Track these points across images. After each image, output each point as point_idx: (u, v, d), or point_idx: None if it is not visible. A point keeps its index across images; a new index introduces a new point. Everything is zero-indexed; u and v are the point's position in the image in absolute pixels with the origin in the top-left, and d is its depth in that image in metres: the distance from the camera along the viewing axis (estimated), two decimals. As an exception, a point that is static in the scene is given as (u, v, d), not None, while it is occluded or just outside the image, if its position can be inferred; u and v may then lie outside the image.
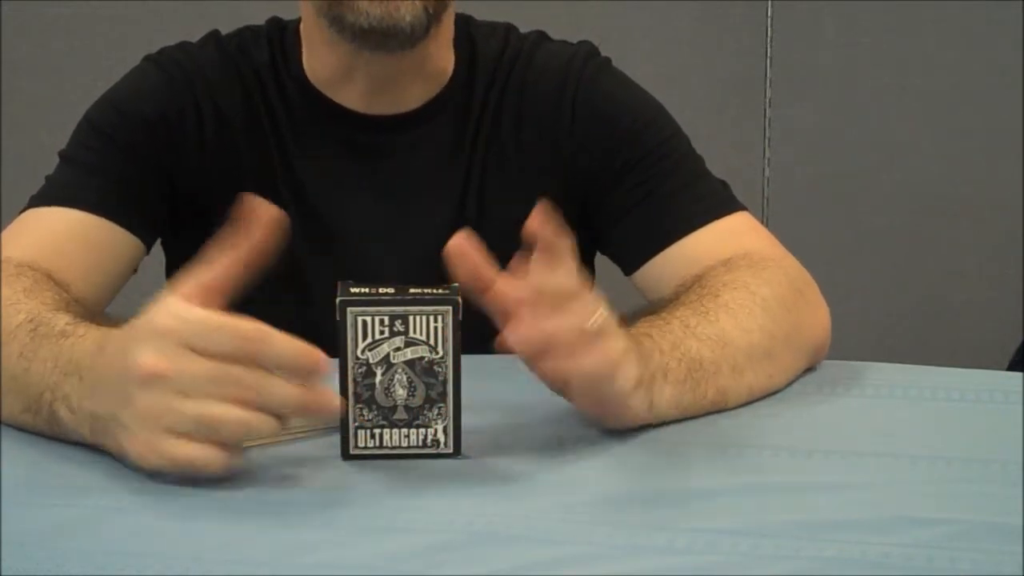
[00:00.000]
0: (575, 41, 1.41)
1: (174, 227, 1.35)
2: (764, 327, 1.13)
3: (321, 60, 1.33)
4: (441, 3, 1.28)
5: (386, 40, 1.25)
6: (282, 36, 1.37)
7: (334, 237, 1.35)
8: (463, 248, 0.96)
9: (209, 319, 0.89)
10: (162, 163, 1.32)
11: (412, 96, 1.34)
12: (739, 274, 1.19)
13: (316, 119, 1.34)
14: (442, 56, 1.35)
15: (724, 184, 1.36)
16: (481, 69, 1.36)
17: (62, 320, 1.03)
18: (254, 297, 1.36)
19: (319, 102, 1.34)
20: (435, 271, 1.29)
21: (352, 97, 1.34)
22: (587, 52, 1.39)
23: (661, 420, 1.04)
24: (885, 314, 2.71)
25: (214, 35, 1.38)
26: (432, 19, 1.26)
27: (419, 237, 1.34)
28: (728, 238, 1.28)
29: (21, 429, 1.02)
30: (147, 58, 1.37)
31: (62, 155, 1.32)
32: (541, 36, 1.40)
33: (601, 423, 1.03)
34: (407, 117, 1.34)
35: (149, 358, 0.88)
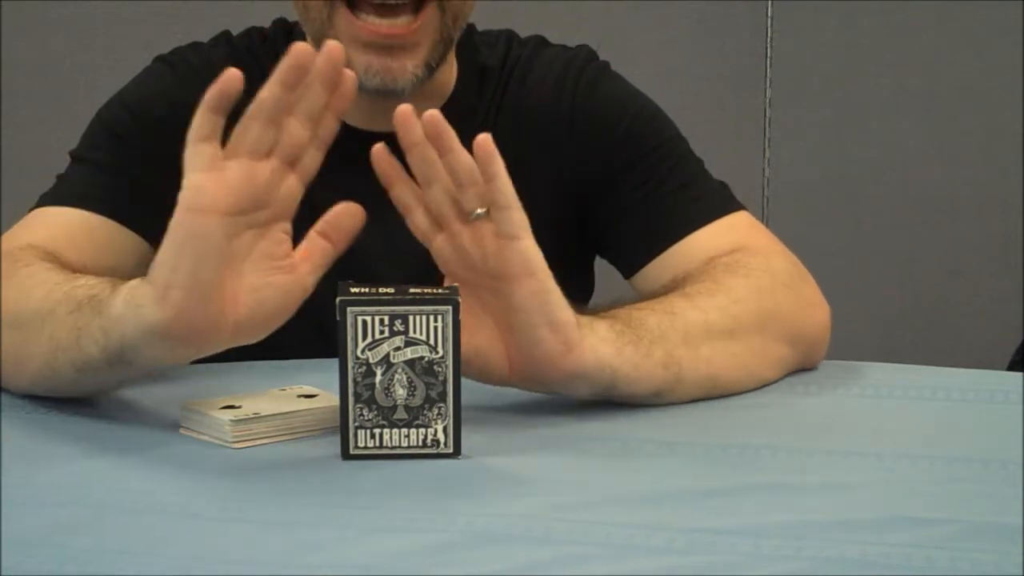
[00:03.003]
0: (575, 45, 1.41)
1: None
2: (724, 308, 1.13)
3: None
4: (446, 47, 1.28)
5: (381, 96, 1.27)
6: (288, 39, 1.36)
7: None
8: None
9: None
10: (173, 164, 1.31)
11: None
12: (713, 272, 1.20)
13: None
14: (444, 75, 1.34)
15: (723, 185, 1.35)
16: (483, 82, 1.36)
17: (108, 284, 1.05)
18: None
19: None
20: (434, 282, 1.30)
21: (353, 113, 1.33)
22: (586, 56, 1.38)
23: (607, 365, 1.04)
24: (885, 314, 2.71)
25: (225, 35, 1.37)
26: (433, 70, 1.28)
27: (419, 248, 1.34)
28: (725, 236, 1.28)
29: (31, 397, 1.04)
30: (158, 58, 1.36)
31: (73, 154, 1.32)
32: (541, 42, 1.40)
33: (546, 363, 1.03)
34: None
35: None
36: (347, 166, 1.35)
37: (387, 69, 1.25)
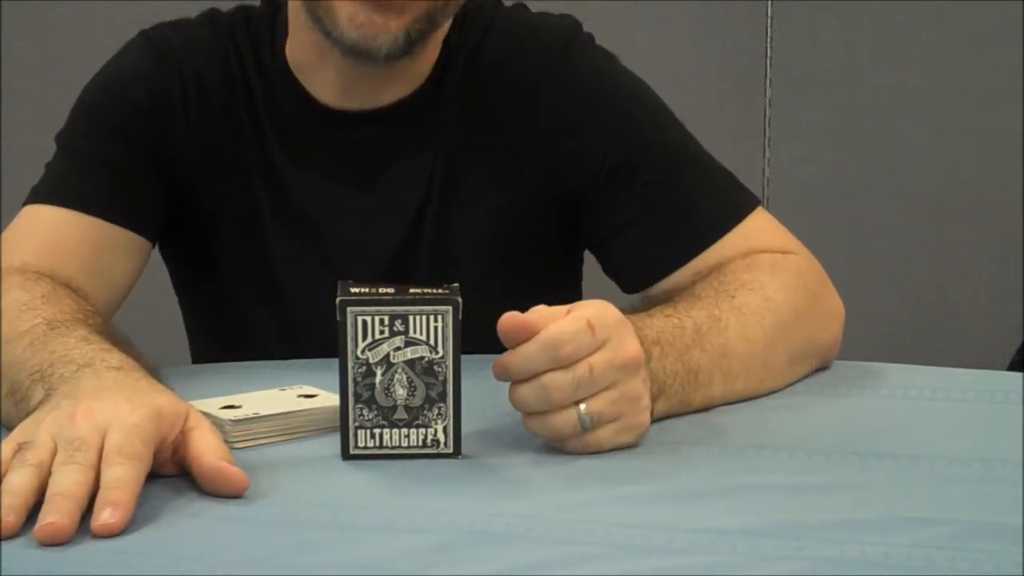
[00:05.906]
0: (559, 14, 1.35)
1: (168, 215, 1.34)
2: (768, 338, 1.13)
3: (300, 41, 1.30)
4: (430, 25, 1.23)
5: (358, 57, 1.23)
6: (273, 18, 1.34)
7: (306, 224, 1.31)
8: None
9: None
10: (152, 145, 1.31)
11: (385, 94, 1.30)
12: (758, 274, 1.18)
13: (291, 108, 1.32)
14: (426, 56, 1.30)
15: (729, 174, 1.32)
16: (459, 61, 1.31)
17: (82, 329, 1.05)
18: (232, 289, 1.36)
19: (295, 91, 1.31)
20: (401, 262, 1.28)
21: (325, 88, 1.30)
22: (569, 31, 1.33)
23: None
24: (885, 314, 2.71)
25: (211, 14, 1.37)
26: (415, 42, 1.22)
27: (388, 228, 1.32)
28: (749, 242, 1.26)
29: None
30: (142, 33, 1.37)
31: (58, 140, 1.33)
32: (520, 10, 1.35)
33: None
34: (378, 114, 1.30)
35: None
36: (318, 146, 1.34)
37: (371, 23, 1.20)
